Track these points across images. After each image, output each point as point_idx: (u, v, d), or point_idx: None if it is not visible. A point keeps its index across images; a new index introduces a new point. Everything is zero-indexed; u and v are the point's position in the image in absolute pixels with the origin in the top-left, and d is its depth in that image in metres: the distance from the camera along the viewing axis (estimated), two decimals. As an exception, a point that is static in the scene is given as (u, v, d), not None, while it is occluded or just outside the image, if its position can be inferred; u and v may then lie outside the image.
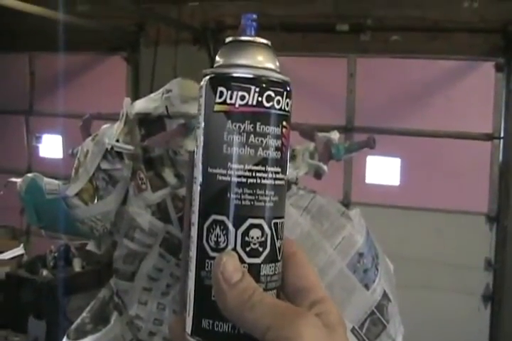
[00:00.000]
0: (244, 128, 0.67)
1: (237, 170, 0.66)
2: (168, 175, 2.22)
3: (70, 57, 6.54)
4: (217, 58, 0.71)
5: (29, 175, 2.34)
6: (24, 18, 5.82)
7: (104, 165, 2.26)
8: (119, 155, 2.24)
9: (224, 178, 0.67)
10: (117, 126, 2.28)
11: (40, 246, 5.73)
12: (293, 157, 2.34)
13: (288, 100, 0.69)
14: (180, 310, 1.92)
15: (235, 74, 0.67)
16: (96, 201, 2.26)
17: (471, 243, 5.58)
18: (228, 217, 0.67)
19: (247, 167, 0.67)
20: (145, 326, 2.17)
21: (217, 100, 0.67)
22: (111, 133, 2.27)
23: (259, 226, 0.68)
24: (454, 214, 5.63)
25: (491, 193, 5.63)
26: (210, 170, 0.67)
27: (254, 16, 0.72)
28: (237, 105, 0.66)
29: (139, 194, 2.22)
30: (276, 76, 0.69)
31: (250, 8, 5.84)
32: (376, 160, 5.90)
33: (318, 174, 2.37)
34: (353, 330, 1.95)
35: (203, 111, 0.69)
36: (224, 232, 0.67)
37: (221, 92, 0.67)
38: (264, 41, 0.71)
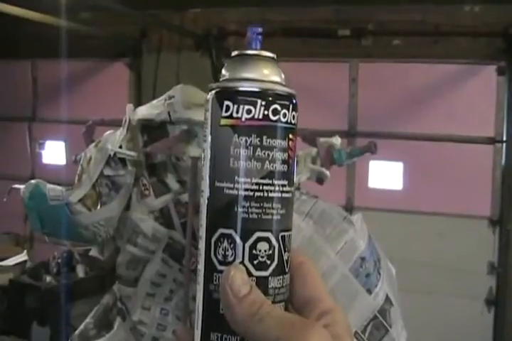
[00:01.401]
0: (251, 141, 0.67)
1: (244, 183, 0.67)
2: (171, 180, 2.22)
3: (72, 63, 6.55)
4: (223, 72, 0.72)
5: (32, 181, 2.34)
6: (26, 25, 5.85)
7: (107, 172, 2.26)
8: (122, 161, 2.24)
9: (231, 192, 0.67)
10: (120, 133, 2.28)
11: (43, 252, 5.73)
12: (295, 162, 2.34)
13: (294, 113, 0.70)
14: (183, 318, 1.92)
15: (241, 88, 0.68)
16: (99, 207, 2.27)
17: (474, 247, 5.58)
18: (236, 231, 0.67)
19: (254, 180, 0.67)
20: (148, 331, 2.17)
21: (224, 114, 0.68)
22: (114, 139, 2.27)
23: (267, 240, 0.68)
24: (456, 218, 5.62)
25: (493, 197, 5.62)
26: (217, 183, 0.68)
27: (260, 30, 0.73)
28: (243, 119, 0.67)
29: (142, 200, 2.22)
30: (282, 89, 0.70)
31: (252, 14, 5.86)
32: (379, 165, 5.91)
33: (320, 179, 2.37)
34: (355, 335, 1.95)
35: (209, 125, 0.70)
36: (231, 246, 0.67)
37: (227, 106, 0.68)
38: (270, 54, 0.72)
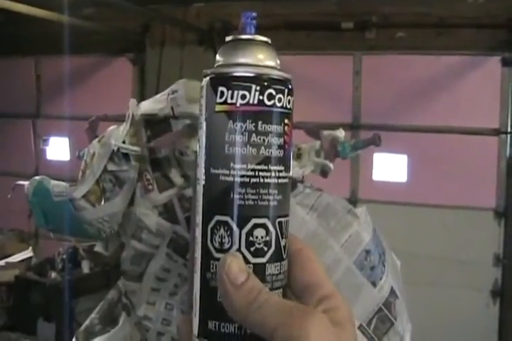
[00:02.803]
0: (246, 127, 0.66)
1: (240, 169, 0.66)
2: (175, 175, 2.22)
3: (76, 59, 6.56)
4: (218, 57, 0.71)
5: (36, 177, 2.34)
6: (30, 22, 5.84)
7: (111, 167, 2.26)
8: (126, 156, 2.24)
9: (227, 178, 0.66)
10: (123, 128, 2.28)
11: (48, 248, 5.75)
12: (299, 155, 2.34)
13: (289, 97, 0.69)
14: (187, 311, 1.91)
15: (235, 74, 0.67)
16: (103, 203, 2.27)
17: (479, 238, 5.57)
18: (232, 218, 0.67)
19: (249, 166, 0.66)
20: (153, 326, 2.17)
21: (218, 100, 0.67)
22: (117, 134, 2.27)
23: (264, 226, 0.67)
24: (461, 210, 5.62)
25: (498, 188, 5.62)
26: (212, 170, 0.67)
27: (254, 14, 0.72)
28: (238, 104, 0.66)
29: (146, 195, 2.22)
30: (277, 73, 0.69)
31: (256, 7, 5.84)
32: (383, 157, 5.90)
33: (324, 172, 2.37)
34: (360, 327, 1.95)
35: (204, 112, 0.69)
36: (228, 233, 0.67)
37: (222, 92, 0.67)
38: (264, 39, 0.71)
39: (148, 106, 2.27)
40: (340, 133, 2.40)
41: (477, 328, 5.54)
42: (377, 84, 5.98)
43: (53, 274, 5.28)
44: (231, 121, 0.66)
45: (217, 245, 0.67)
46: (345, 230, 2.05)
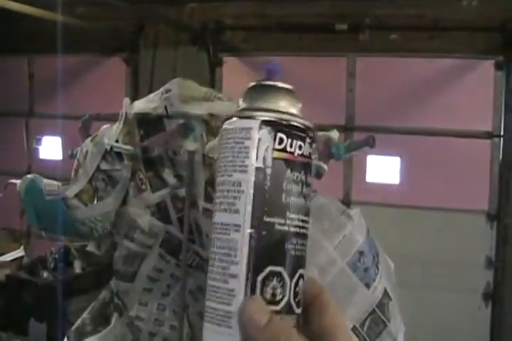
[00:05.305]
0: (300, 178, 0.67)
1: (293, 219, 0.66)
2: (168, 175, 2.21)
3: (69, 59, 6.53)
4: (264, 100, 0.70)
5: (29, 176, 2.33)
6: (23, 20, 5.82)
7: (104, 166, 2.25)
8: (119, 155, 2.23)
9: (283, 228, 0.66)
10: (116, 127, 2.27)
11: (40, 248, 5.72)
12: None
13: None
14: (180, 313, 1.93)
15: (295, 123, 0.68)
16: (96, 202, 2.26)
17: (472, 241, 5.58)
18: (285, 268, 0.66)
19: (300, 217, 0.67)
20: (145, 327, 2.16)
21: (277, 147, 0.67)
22: (110, 133, 2.26)
23: (303, 277, 0.68)
24: (454, 213, 5.62)
25: (491, 191, 5.62)
26: (266, 218, 0.65)
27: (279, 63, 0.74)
28: (296, 154, 0.67)
29: (139, 194, 2.21)
30: (312, 126, 0.70)
31: (249, 8, 5.84)
32: (376, 159, 5.90)
33: (318, 173, 2.36)
34: (354, 329, 1.94)
35: (254, 155, 0.66)
36: (281, 284, 0.65)
37: (281, 139, 0.67)
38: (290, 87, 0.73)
39: (141, 105, 2.26)
40: (335, 134, 2.39)
41: (469, 331, 5.54)
42: (371, 86, 5.98)
43: (45, 274, 5.26)
44: (289, 170, 0.67)
45: (268, 296, 0.65)
46: (339, 231, 2.04)
